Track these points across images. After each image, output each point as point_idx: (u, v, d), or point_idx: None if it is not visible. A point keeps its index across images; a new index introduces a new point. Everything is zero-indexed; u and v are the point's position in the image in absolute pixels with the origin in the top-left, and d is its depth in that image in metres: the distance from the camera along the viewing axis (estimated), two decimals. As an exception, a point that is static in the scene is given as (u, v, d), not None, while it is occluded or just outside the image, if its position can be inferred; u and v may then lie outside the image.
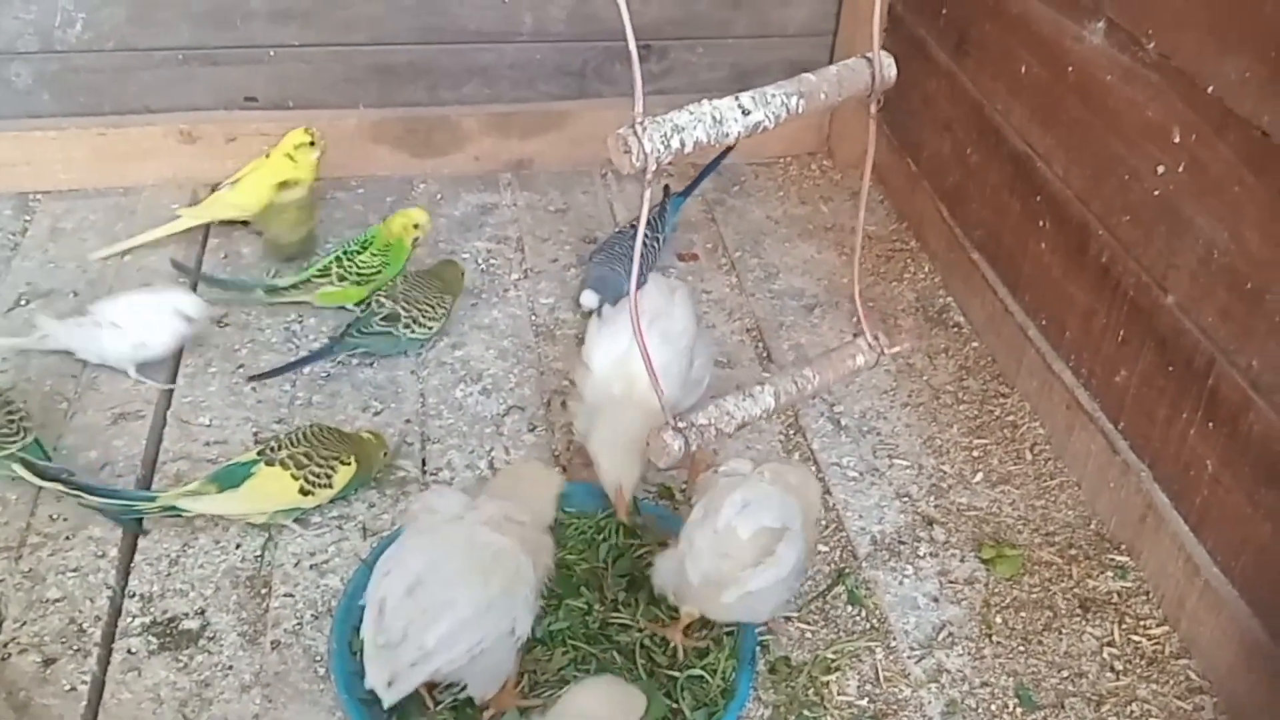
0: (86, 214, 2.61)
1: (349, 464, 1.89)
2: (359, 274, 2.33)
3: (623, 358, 1.85)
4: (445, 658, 1.47)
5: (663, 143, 1.41)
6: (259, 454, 1.87)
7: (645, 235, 2.30)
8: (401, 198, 2.75)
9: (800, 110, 1.53)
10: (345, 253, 2.35)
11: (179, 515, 1.87)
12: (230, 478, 1.85)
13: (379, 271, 2.35)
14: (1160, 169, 1.81)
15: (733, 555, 1.57)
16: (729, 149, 2.57)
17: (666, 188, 2.57)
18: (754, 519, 1.58)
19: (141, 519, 1.88)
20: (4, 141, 2.62)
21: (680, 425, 1.57)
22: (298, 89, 2.72)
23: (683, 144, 1.43)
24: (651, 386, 1.59)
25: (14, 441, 1.87)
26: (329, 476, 1.87)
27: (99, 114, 2.66)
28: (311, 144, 2.52)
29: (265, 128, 2.70)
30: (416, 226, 2.37)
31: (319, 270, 2.35)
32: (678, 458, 1.58)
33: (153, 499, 1.86)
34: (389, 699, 1.48)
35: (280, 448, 1.87)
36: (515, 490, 1.69)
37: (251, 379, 2.18)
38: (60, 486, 1.86)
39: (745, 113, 1.48)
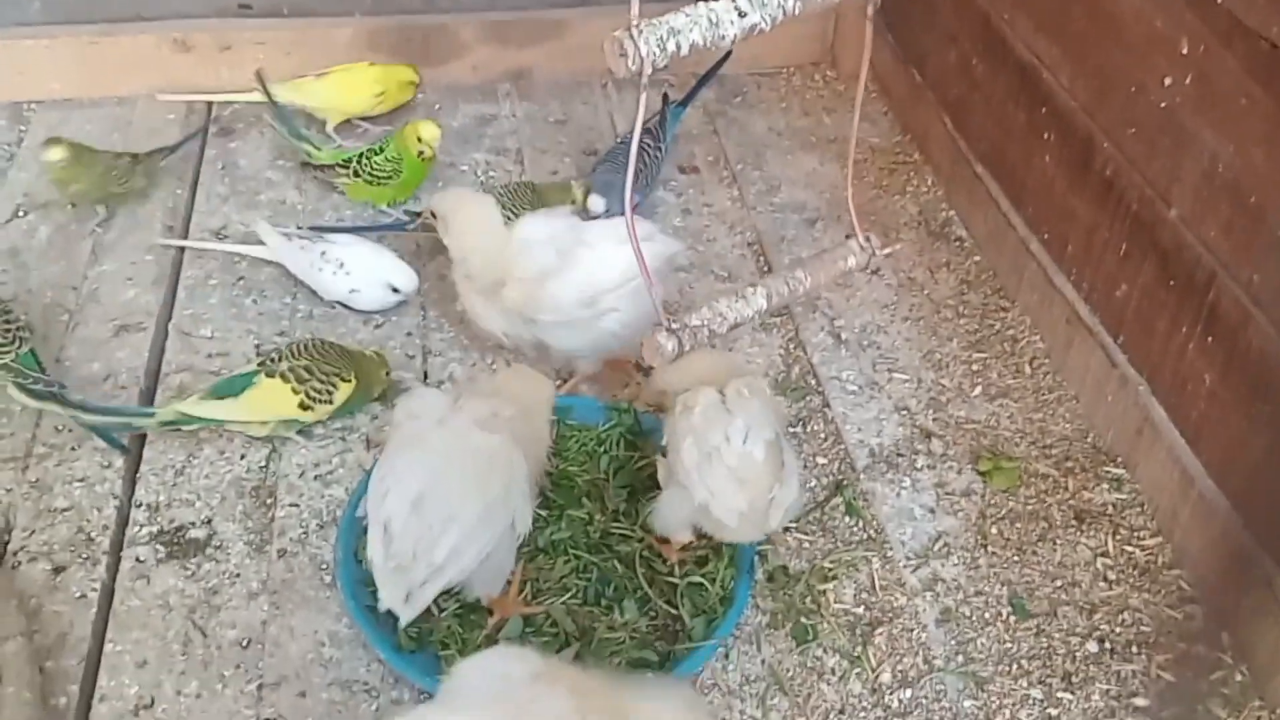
0: (82, 124, 2.58)
1: (349, 381, 1.89)
2: (371, 174, 2.35)
3: (587, 274, 1.85)
4: (456, 568, 1.49)
5: (658, 46, 1.40)
6: (259, 365, 1.88)
7: (646, 144, 2.28)
8: (399, 107, 2.71)
9: (796, 12, 1.52)
10: (365, 152, 2.36)
11: (179, 429, 1.88)
12: (230, 388, 1.86)
13: (390, 177, 2.34)
14: (1167, 81, 1.79)
15: (754, 479, 1.56)
16: (727, 55, 2.54)
17: (665, 96, 2.54)
18: (759, 437, 1.56)
19: (124, 443, 1.88)
20: (-5, 51, 2.58)
21: (674, 326, 1.59)
22: (293, -4, 2.68)
23: (678, 47, 1.42)
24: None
25: (8, 351, 1.86)
26: (330, 393, 1.87)
27: (90, 22, 2.62)
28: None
29: (260, 36, 2.67)
30: (420, 139, 2.34)
31: (343, 159, 2.38)
32: (671, 357, 1.59)
33: (150, 414, 1.87)
34: (406, 617, 1.50)
35: (281, 359, 1.88)
36: (505, 392, 1.67)
37: (314, 228, 2.27)
38: (56, 406, 1.86)
39: (741, 15, 1.47)
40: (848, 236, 1.80)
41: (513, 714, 1.14)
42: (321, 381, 1.87)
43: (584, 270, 1.83)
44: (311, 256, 2.14)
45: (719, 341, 1.87)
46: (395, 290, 2.14)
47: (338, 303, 2.17)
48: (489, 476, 1.52)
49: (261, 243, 2.21)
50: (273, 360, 1.88)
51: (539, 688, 1.16)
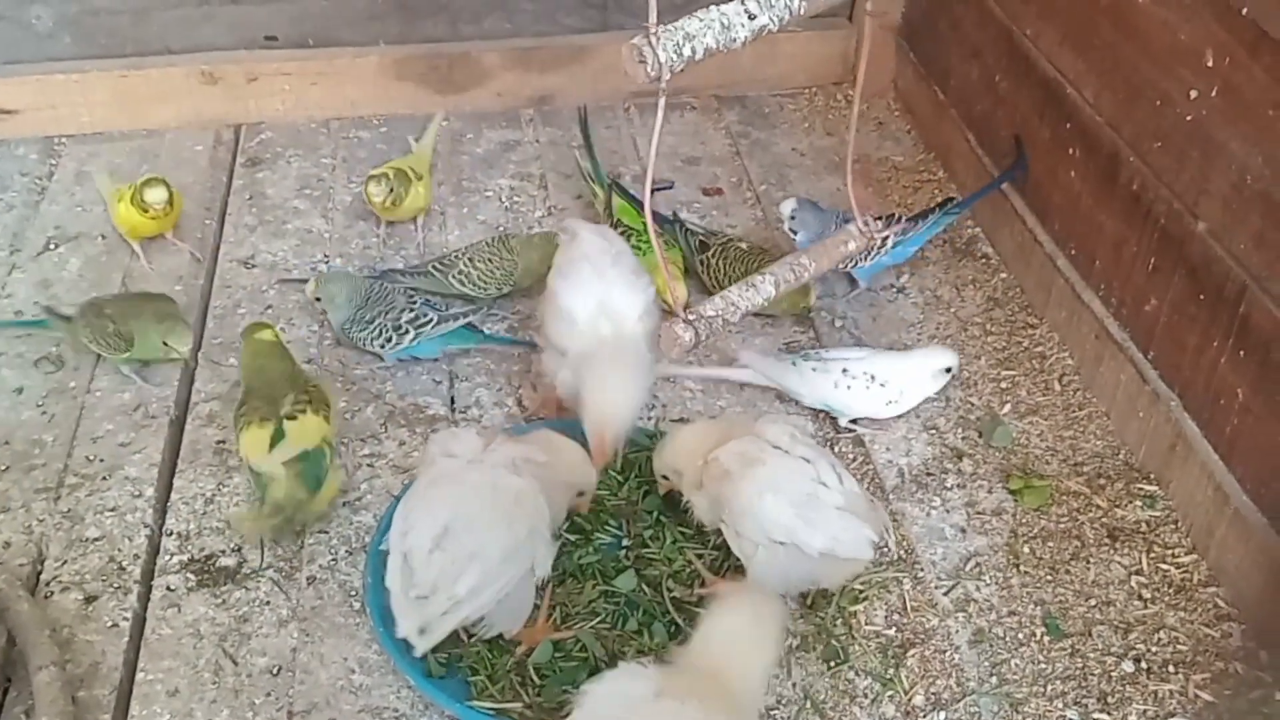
0: (111, 157, 2.62)
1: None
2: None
3: (602, 299, 1.83)
4: (474, 604, 1.50)
5: (675, 51, 1.43)
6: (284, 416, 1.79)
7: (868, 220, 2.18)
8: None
9: (802, 11, 1.55)
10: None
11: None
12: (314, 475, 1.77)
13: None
14: (1193, 93, 1.78)
15: (864, 510, 1.62)
16: (1016, 170, 2.34)
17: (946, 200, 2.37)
18: (844, 470, 1.62)
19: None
20: (27, 86, 2.62)
21: (690, 317, 1.60)
22: (318, 27, 2.71)
23: (694, 51, 1.45)
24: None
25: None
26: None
27: (120, 56, 2.66)
28: None
29: (286, 67, 2.70)
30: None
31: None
32: (689, 348, 1.60)
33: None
34: (421, 647, 1.51)
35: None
36: (540, 443, 1.66)
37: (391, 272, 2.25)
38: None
39: (751, 17, 1.49)
40: (847, 220, 1.81)
41: None
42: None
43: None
44: (833, 377, 1.98)
45: (732, 327, 1.84)
46: (947, 370, 2.02)
47: (865, 418, 2.02)
48: (515, 517, 1.53)
49: (745, 366, 2.08)
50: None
51: (665, 703, 1.27)
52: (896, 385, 1.98)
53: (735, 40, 1.48)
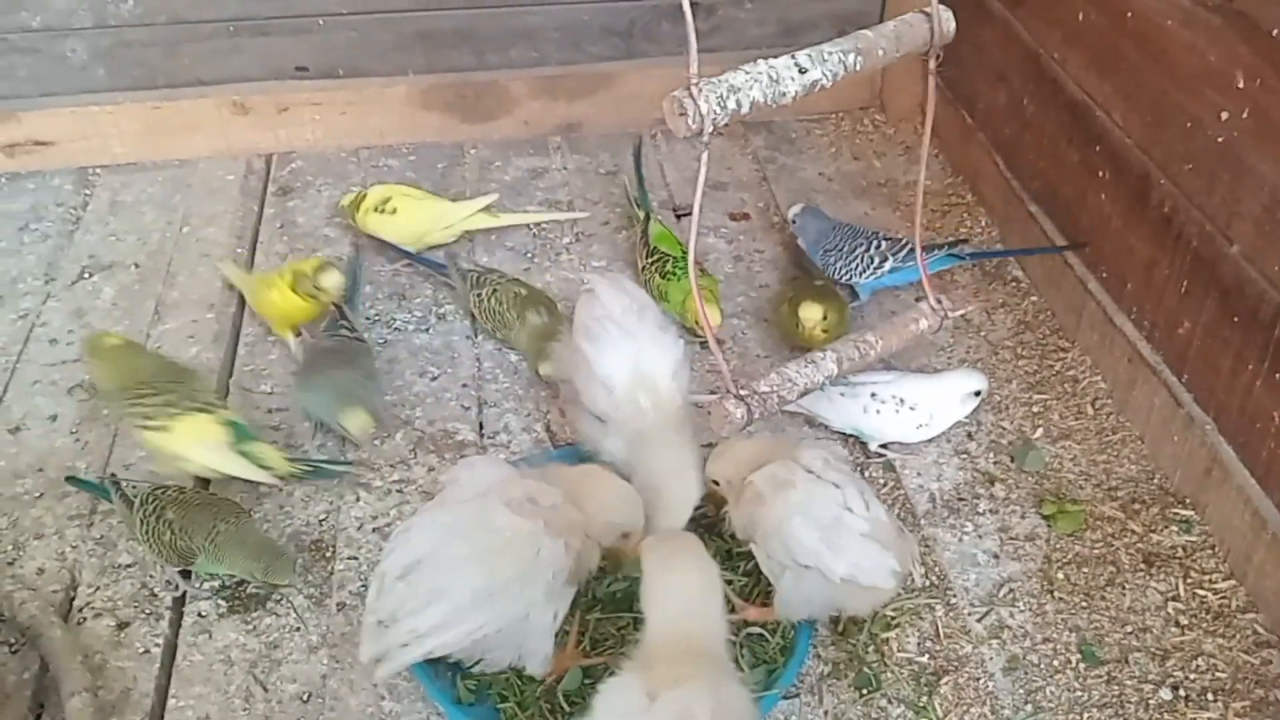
0: (144, 187, 2.65)
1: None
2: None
3: (634, 363, 1.77)
4: (438, 641, 1.45)
5: (719, 104, 1.40)
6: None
7: (879, 241, 2.24)
8: (453, 163, 2.76)
9: (858, 68, 1.51)
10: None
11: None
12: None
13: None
14: (1223, 115, 1.77)
15: (888, 538, 1.58)
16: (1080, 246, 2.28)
17: (960, 242, 2.35)
18: (873, 497, 1.59)
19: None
20: (62, 117, 2.66)
21: (742, 393, 1.55)
22: (347, 57, 2.74)
23: (739, 105, 1.41)
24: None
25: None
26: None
27: (152, 87, 2.70)
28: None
29: (316, 97, 2.73)
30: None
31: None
32: (740, 426, 1.55)
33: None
34: (376, 676, 1.50)
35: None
36: (564, 483, 1.60)
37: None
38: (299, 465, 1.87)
39: (802, 71, 1.45)
40: (918, 299, 1.77)
41: None
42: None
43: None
44: (862, 401, 1.97)
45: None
46: (976, 394, 2.00)
47: (895, 442, 2.00)
48: (500, 558, 1.47)
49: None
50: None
51: (665, 701, 1.28)
52: (926, 409, 1.97)
53: (785, 95, 1.44)
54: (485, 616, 1.46)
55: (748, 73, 1.42)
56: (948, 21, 1.55)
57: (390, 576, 1.48)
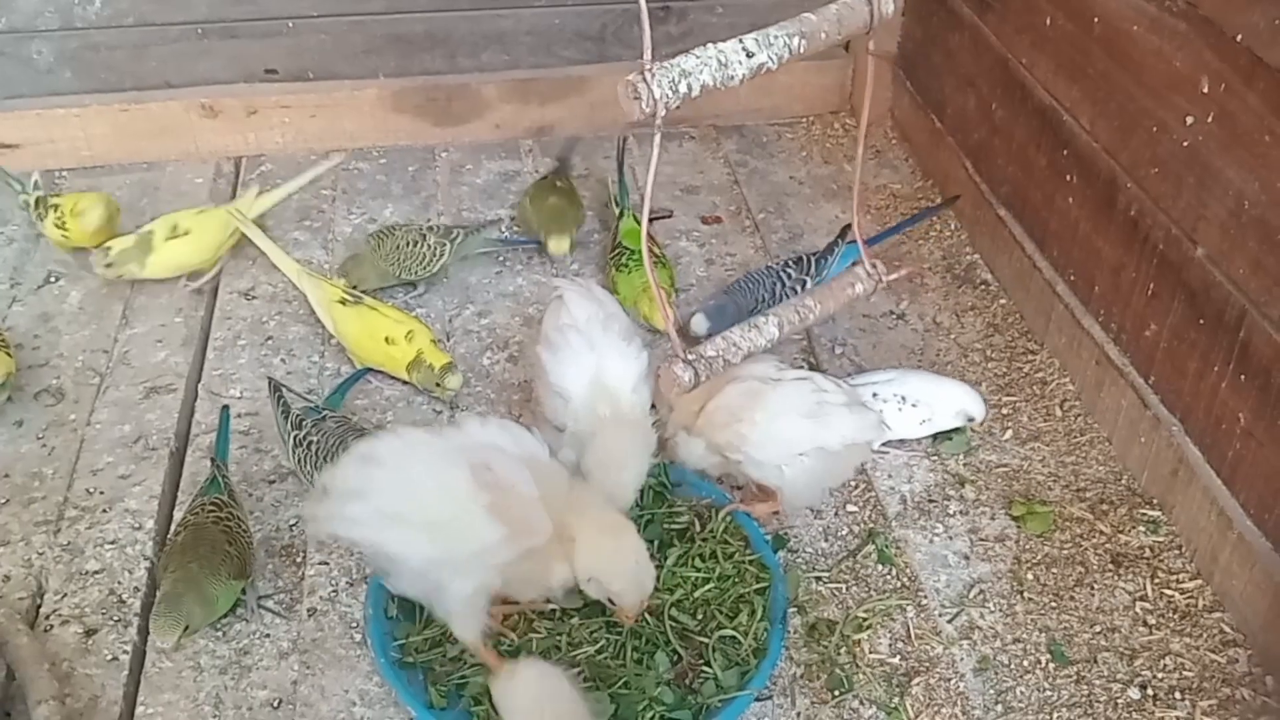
0: (111, 190, 2.61)
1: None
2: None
3: (595, 375, 1.78)
4: (359, 534, 1.54)
5: (671, 88, 1.43)
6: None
7: (788, 273, 2.22)
8: (424, 166, 2.75)
9: (802, 50, 1.55)
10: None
11: None
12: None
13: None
14: (1189, 120, 1.79)
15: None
16: (950, 201, 2.53)
17: (844, 229, 2.30)
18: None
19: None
20: (28, 120, 2.63)
21: (690, 357, 1.59)
22: (317, 60, 2.73)
23: (690, 88, 1.45)
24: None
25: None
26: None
27: (120, 90, 2.67)
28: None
29: (286, 100, 2.71)
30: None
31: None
32: (688, 388, 1.59)
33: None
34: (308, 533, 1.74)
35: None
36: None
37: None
38: None
39: (749, 55, 1.49)
40: (854, 263, 1.81)
41: None
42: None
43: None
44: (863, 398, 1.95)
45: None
46: (970, 419, 2.02)
47: (902, 439, 2.02)
48: (438, 505, 1.52)
49: None
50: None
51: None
52: (928, 405, 2.01)
53: (733, 78, 1.48)
54: (401, 543, 1.52)
55: (698, 57, 1.46)
56: (886, 4, 1.59)
57: (353, 456, 1.56)
